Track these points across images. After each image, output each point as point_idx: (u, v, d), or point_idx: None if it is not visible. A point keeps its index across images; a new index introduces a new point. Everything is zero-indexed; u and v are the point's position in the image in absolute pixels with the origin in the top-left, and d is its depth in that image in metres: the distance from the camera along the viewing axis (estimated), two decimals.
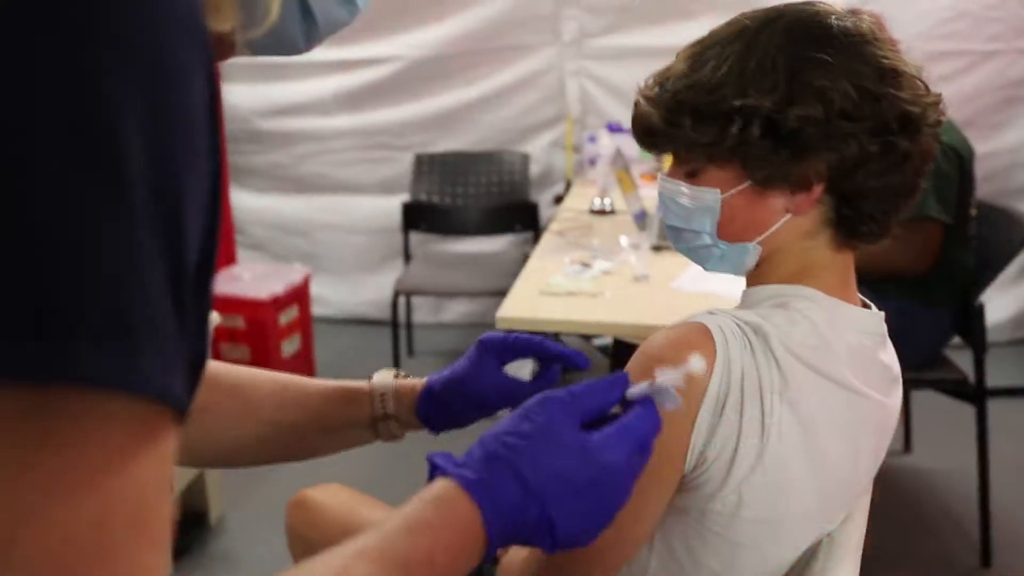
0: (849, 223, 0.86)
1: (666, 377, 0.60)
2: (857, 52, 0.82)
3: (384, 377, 0.89)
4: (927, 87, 0.85)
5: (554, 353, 0.85)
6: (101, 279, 0.32)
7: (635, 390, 0.61)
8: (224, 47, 0.50)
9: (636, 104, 0.89)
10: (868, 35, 0.84)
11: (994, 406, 2.34)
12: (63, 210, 0.31)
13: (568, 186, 3.31)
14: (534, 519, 0.55)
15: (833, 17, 0.84)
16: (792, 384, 0.81)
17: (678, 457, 0.81)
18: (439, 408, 0.87)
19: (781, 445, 0.81)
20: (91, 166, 0.32)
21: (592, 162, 3.20)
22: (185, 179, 0.34)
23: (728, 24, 0.87)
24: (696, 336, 0.82)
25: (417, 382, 0.89)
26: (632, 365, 0.84)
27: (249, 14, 0.47)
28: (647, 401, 0.61)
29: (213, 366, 0.87)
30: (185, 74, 0.34)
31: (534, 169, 3.49)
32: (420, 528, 0.53)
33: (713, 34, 0.87)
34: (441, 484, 0.55)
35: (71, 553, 0.32)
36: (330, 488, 1.27)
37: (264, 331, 2.86)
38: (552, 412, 0.58)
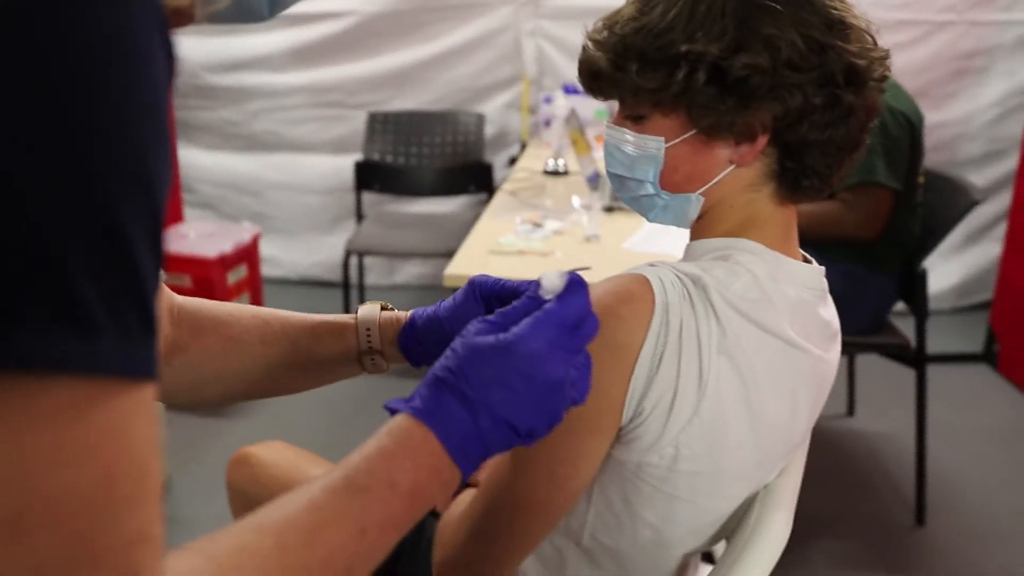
0: (792, 176, 0.85)
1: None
2: (807, 2, 0.81)
3: (370, 310, 0.88)
4: (875, 41, 0.85)
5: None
6: (97, 271, 0.33)
7: (546, 286, 0.63)
8: (182, 17, 0.49)
9: (583, 48, 0.88)
10: None
11: (934, 372, 2.40)
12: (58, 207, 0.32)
13: (523, 147, 3.28)
14: (489, 426, 0.58)
15: None
16: (731, 336, 0.81)
17: (615, 408, 0.81)
18: (420, 343, 0.86)
19: (718, 398, 0.81)
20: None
21: (547, 123, 3.17)
22: (155, 157, 0.35)
23: None
24: (635, 286, 0.81)
25: (402, 315, 0.88)
26: None
27: None
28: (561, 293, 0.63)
29: (195, 303, 0.86)
30: (150, 60, 0.35)
31: (489, 130, 3.45)
32: (377, 456, 0.55)
33: None
34: (395, 419, 0.58)
35: (83, 513, 0.34)
36: (273, 445, 1.25)
37: (212, 290, 2.81)
38: (477, 328, 0.61)
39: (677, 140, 0.85)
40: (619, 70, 0.84)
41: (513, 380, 0.58)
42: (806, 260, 0.92)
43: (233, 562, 0.47)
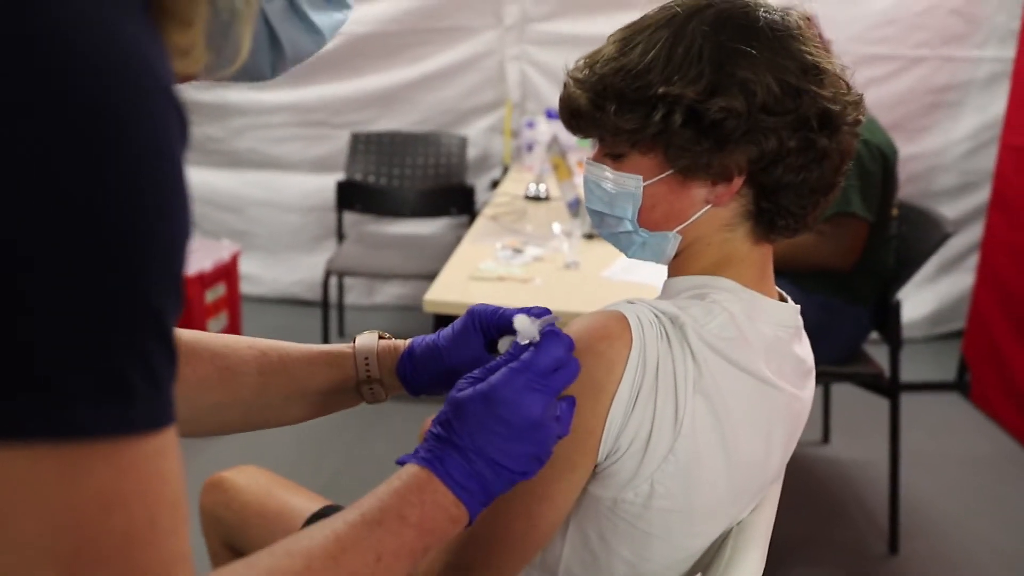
0: (767, 216, 0.87)
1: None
2: (782, 46, 0.83)
3: (368, 339, 0.89)
4: (848, 86, 0.86)
5: None
6: (138, 349, 0.39)
7: (522, 332, 0.70)
8: (187, 78, 0.51)
9: (565, 85, 0.89)
10: (794, 30, 0.84)
11: (907, 400, 2.43)
12: (67, 293, 0.36)
13: (505, 171, 3.30)
14: (484, 467, 0.65)
15: (762, 10, 0.85)
16: (707, 375, 0.82)
17: (592, 444, 0.81)
18: (418, 371, 0.87)
19: (694, 436, 0.82)
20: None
21: (529, 148, 3.19)
22: (183, 238, 0.41)
23: (660, 9, 0.87)
24: (613, 324, 0.82)
25: (400, 343, 0.89)
26: None
27: (220, 56, 0.48)
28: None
29: (191, 335, 0.87)
30: (175, 157, 0.39)
31: (472, 152, 3.47)
32: (387, 495, 0.63)
33: (644, 18, 0.87)
34: (404, 467, 0.66)
35: (130, 547, 0.39)
36: (246, 470, 1.24)
37: (188, 309, 2.79)
38: (460, 386, 0.69)
39: (655, 179, 0.86)
40: (598, 109, 0.85)
41: (493, 425, 0.66)
42: (782, 298, 0.94)
43: None
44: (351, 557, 0.59)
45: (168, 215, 0.39)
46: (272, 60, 0.60)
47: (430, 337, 0.87)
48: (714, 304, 0.85)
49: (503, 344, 0.74)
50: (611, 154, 0.89)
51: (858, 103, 0.87)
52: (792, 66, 0.82)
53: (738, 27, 0.83)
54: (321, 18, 0.61)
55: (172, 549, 0.41)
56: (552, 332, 0.69)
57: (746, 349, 0.85)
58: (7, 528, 0.37)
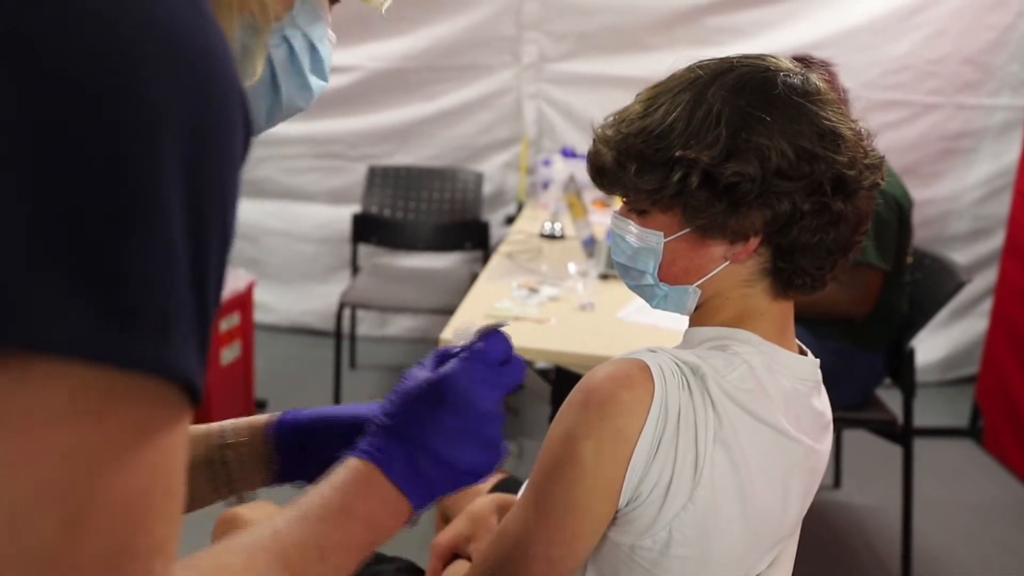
0: (785, 275, 0.88)
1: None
2: (799, 112, 0.84)
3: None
4: (867, 150, 0.87)
5: None
6: (167, 287, 0.37)
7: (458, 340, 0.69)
8: None
9: (593, 142, 0.91)
10: (814, 95, 0.86)
11: (920, 445, 2.42)
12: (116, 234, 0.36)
13: (520, 207, 3.33)
14: (431, 465, 0.61)
15: (782, 74, 0.86)
16: (727, 426, 0.83)
17: (613, 491, 0.82)
18: (302, 435, 0.77)
19: (712, 485, 0.82)
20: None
21: (545, 185, 3.22)
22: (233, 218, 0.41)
23: (686, 70, 0.89)
24: (636, 372, 0.83)
25: (273, 415, 0.79)
26: (571, 399, 0.85)
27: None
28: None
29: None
30: (235, 155, 0.41)
31: (487, 188, 3.50)
32: (330, 489, 0.60)
33: (671, 78, 0.89)
34: (345, 461, 0.62)
35: (124, 523, 0.37)
36: (260, 505, 1.25)
37: None
38: (411, 374, 0.66)
39: (674, 236, 0.88)
40: (621, 168, 0.88)
41: (443, 415, 0.62)
42: (802, 351, 0.94)
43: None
44: (295, 552, 0.55)
45: (232, 198, 0.41)
46: (269, 106, 0.60)
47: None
48: (735, 356, 0.86)
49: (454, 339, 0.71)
50: (635, 210, 0.91)
51: (877, 167, 0.88)
52: (808, 132, 0.83)
53: (757, 92, 0.84)
54: (312, 79, 0.62)
55: (159, 535, 0.39)
56: (496, 331, 0.66)
57: (765, 401, 0.86)
58: (20, 465, 0.35)
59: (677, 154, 0.83)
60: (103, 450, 0.37)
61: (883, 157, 0.89)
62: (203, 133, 0.38)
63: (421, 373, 0.65)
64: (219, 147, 0.39)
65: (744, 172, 0.82)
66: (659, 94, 0.88)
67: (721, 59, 0.88)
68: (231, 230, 0.41)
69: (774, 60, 0.89)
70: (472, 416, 0.62)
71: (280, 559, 0.54)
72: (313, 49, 0.61)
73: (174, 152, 0.37)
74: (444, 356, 0.68)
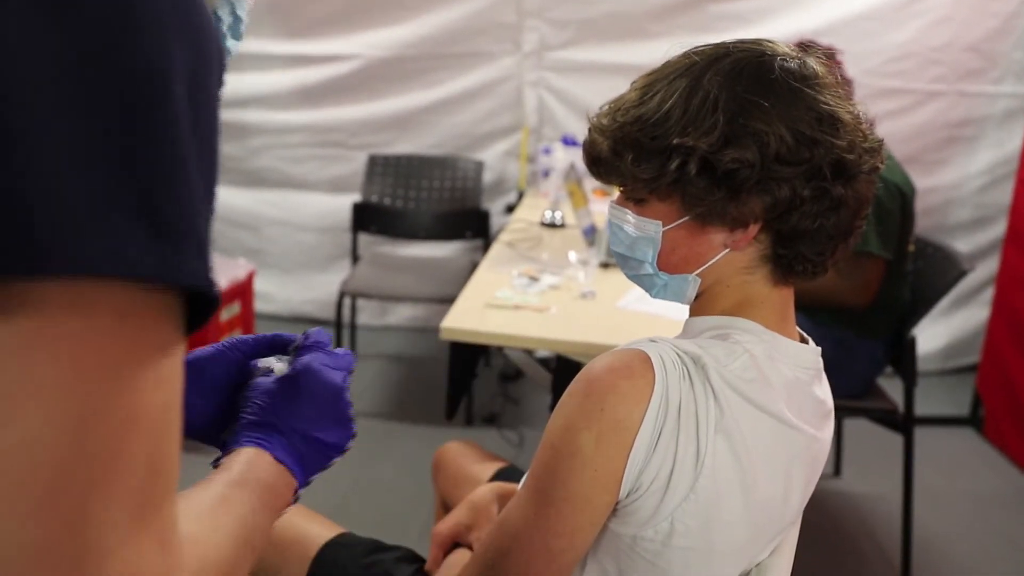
0: (785, 262, 0.87)
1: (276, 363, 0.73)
2: (797, 97, 0.83)
3: None
4: (866, 134, 0.86)
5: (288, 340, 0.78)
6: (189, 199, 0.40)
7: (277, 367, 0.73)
8: None
9: (588, 132, 0.90)
10: (812, 79, 0.85)
11: (920, 434, 2.42)
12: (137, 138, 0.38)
13: (520, 196, 3.32)
14: (303, 443, 0.66)
15: (779, 59, 0.85)
16: (728, 416, 0.83)
17: (614, 482, 0.82)
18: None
19: (714, 476, 0.82)
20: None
21: (545, 174, 3.21)
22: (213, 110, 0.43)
23: (681, 57, 0.88)
24: (636, 363, 0.83)
25: None
26: (571, 390, 0.85)
27: None
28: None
29: None
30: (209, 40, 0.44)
31: (487, 177, 3.49)
32: (228, 471, 0.62)
33: (666, 65, 0.88)
34: (228, 455, 0.65)
35: (145, 437, 0.39)
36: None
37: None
38: (259, 380, 0.70)
39: (673, 224, 0.88)
40: (617, 158, 0.87)
41: (305, 400, 0.67)
42: (803, 339, 0.94)
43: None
44: (235, 507, 0.59)
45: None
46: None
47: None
48: (736, 345, 0.86)
49: (264, 362, 0.74)
50: (633, 198, 0.90)
51: (876, 150, 0.87)
52: (807, 116, 0.82)
53: (753, 77, 0.83)
54: (230, 41, 0.66)
55: (172, 452, 0.40)
56: (316, 329, 0.73)
57: (767, 390, 0.85)
58: (73, 381, 0.36)
59: (674, 142, 0.83)
60: (145, 366, 0.39)
61: (882, 140, 0.88)
62: (199, 75, 0.42)
63: (267, 380, 0.70)
64: (207, 88, 0.43)
65: (743, 158, 0.81)
66: (654, 81, 0.87)
67: (717, 44, 0.87)
68: (218, 157, 0.45)
69: (770, 44, 0.88)
70: (329, 396, 0.68)
71: (221, 507, 0.58)
72: (235, 15, 0.65)
73: (181, 93, 0.40)
74: (267, 370, 0.72)
